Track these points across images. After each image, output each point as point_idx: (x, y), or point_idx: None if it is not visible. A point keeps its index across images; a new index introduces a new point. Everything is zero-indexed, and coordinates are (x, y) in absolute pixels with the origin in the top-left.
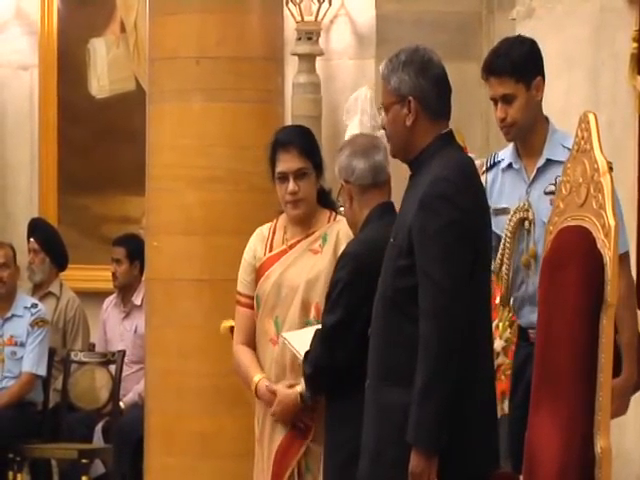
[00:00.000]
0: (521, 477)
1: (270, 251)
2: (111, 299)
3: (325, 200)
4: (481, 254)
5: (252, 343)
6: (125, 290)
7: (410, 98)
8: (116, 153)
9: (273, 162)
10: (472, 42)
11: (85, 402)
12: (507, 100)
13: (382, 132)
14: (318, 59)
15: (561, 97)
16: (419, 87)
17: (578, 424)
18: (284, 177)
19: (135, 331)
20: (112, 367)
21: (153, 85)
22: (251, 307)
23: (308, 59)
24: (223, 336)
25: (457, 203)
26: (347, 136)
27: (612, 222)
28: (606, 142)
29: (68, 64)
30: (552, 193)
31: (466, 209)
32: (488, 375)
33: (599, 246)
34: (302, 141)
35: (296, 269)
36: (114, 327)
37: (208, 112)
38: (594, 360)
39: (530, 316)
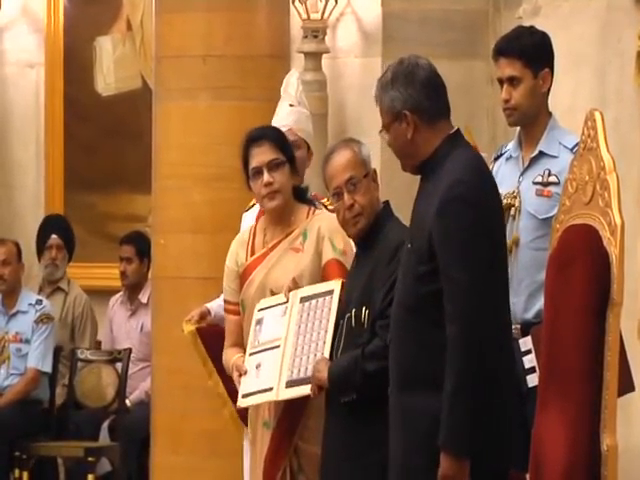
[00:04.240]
0: (527, 476)
1: (252, 255)
2: (117, 297)
3: (302, 196)
4: (497, 250)
5: (241, 345)
6: (132, 288)
7: (405, 112)
8: (122, 151)
9: (246, 162)
10: (479, 40)
11: (91, 400)
12: (513, 82)
13: (298, 108)
14: (324, 57)
15: (568, 95)
16: (410, 99)
17: (585, 422)
18: (258, 171)
19: (141, 329)
20: (118, 365)
21: (159, 83)
22: (237, 313)
23: (314, 57)
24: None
25: (474, 204)
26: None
27: (618, 220)
28: (612, 140)
29: (74, 62)
30: (539, 184)
31: (483, 208)
32: (511, 373)
33: (605, 244)
34: (273, 135)
35: (280, 270)
36: (120, 325)
37: (214, 110)
38: (600, 358)
39: (513, 308)
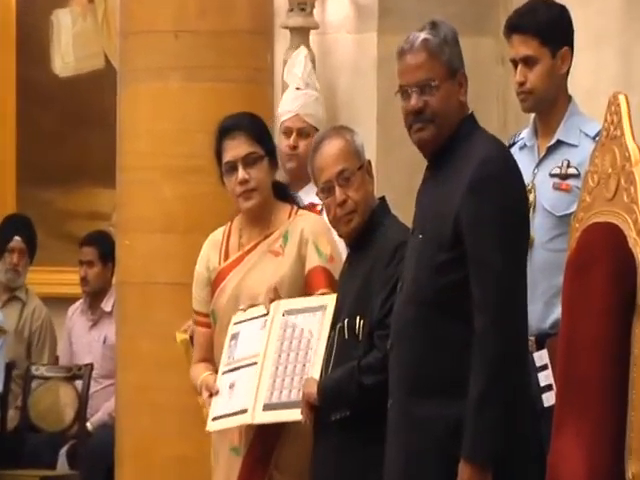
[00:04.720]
0: None
1: (226, 259)
2: (77, 305)
3: (283, 194)
4: (527, 234)
5: (211, 360)
6: (93, 295)
7: (463, 72)
8: (83, 140)
9: (219, 155)
10: (487, 14)
11: (48, 423)
12: (528, 63)
13: (306, 91)
14: (312, 33)
15: (588, 76)
16: (462, 63)
17: (606, 446)
18: (233, 167)
19: (104, 342)
20: (78, 383)
21: (125, 63)
22: (209, 326)
23: (301, 33)
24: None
25: (510, 185)
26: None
27: None
28: (638, 128)
29: (28, 39)
30: (556, 176)
31: (518, 190)
32: (531, 376)
33: (630, 245)
34: (249, 125)
35: (256, 276)
36: (80, 337)
37: (188, 93)
38: (625, 374)
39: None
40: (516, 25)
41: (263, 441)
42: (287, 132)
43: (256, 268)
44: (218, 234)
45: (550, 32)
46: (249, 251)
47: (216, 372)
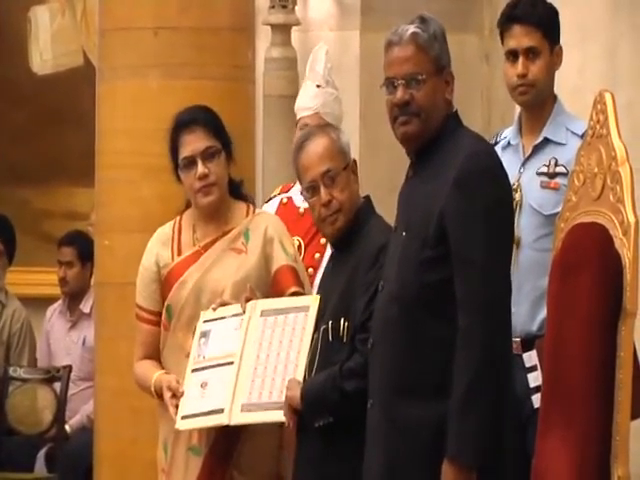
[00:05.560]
0: None
1: (179, 254)
2: (55, 306)
3: (237, 192)
4: (512, 232)
5: (157, 358)
6: (72, 296)
7: (450, 70)
8: (61, 138)
9: (175, 150)
10: (471, 11)
11: (26, 425)
12: (530, 55)
13: (326, 89)
14: (294, 30)
15: (573, 74)
16: (449, 60)
17: (593, 450)
18: (191, 162)
19: (83, 343)
20: (56, 385)
21: (104, 60)
22: (154, 323)
23: (283, 30)
24: None
25: (496, 180)
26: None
27: (632, 218)
28: (625, 126)
29: (5, 36)
30: (544, 175)
31: (504, 185)
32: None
33: (617, 246)
34: (206, 119)
35: (218, 272)
36: (59, 339)
37: (167, 91)
38: (611, 377)
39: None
40: (519, 15)
41: (226, 439)
42: (305, 129)
43: (218, 264)
44: (167, 229)
45: (550, 26)
46: (207, 247)
47: (162, 369)
